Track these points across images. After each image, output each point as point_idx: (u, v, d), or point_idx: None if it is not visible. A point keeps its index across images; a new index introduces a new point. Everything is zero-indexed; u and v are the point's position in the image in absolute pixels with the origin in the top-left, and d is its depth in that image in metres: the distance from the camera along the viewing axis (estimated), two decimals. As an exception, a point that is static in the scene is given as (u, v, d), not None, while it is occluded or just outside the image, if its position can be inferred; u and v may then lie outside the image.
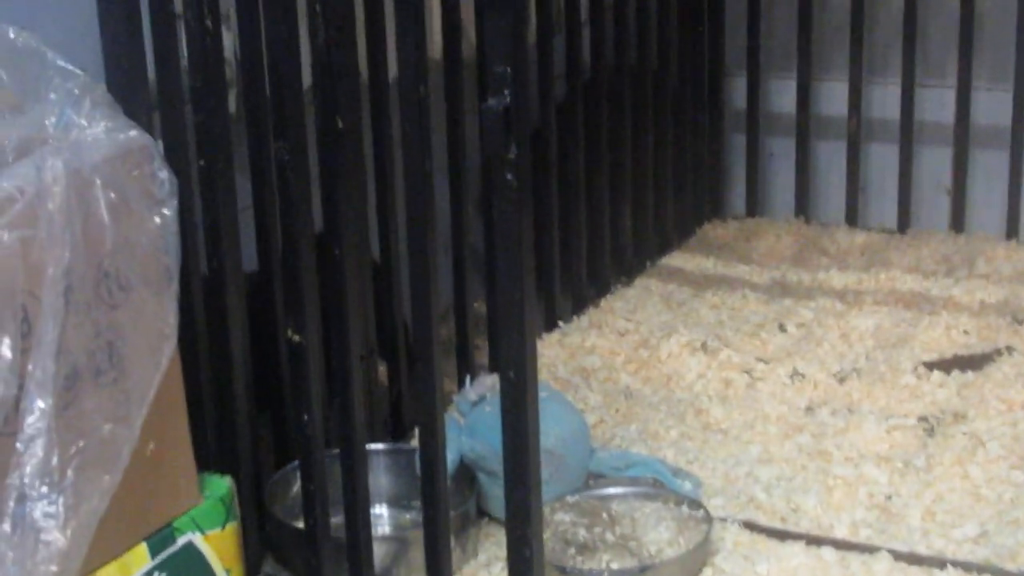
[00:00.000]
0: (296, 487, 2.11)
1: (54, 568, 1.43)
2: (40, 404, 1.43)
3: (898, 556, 2.09)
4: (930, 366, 2.65)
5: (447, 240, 2.58)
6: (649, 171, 3.21)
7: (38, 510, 1.41)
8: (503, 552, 2.11)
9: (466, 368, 2.63)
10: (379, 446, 2.28)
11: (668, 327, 2.87)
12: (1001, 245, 3.25)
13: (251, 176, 2.12)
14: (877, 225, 3.44)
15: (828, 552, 2.11)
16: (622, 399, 2.60)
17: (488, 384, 2.27)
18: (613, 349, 2.80)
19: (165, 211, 1.61)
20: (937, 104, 3.34)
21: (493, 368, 2.60)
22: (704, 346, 2.76)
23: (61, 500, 1.44)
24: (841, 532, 2.17)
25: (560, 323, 2.94)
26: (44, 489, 1.42)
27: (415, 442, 2.16)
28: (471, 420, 2.24)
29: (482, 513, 2.22)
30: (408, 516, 2.26)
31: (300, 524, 2.03)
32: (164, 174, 1.62)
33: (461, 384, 2.51)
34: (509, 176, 1.67)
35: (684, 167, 3.37)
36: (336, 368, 1.92)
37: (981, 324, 2.83)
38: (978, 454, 2.34)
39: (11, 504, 1.41)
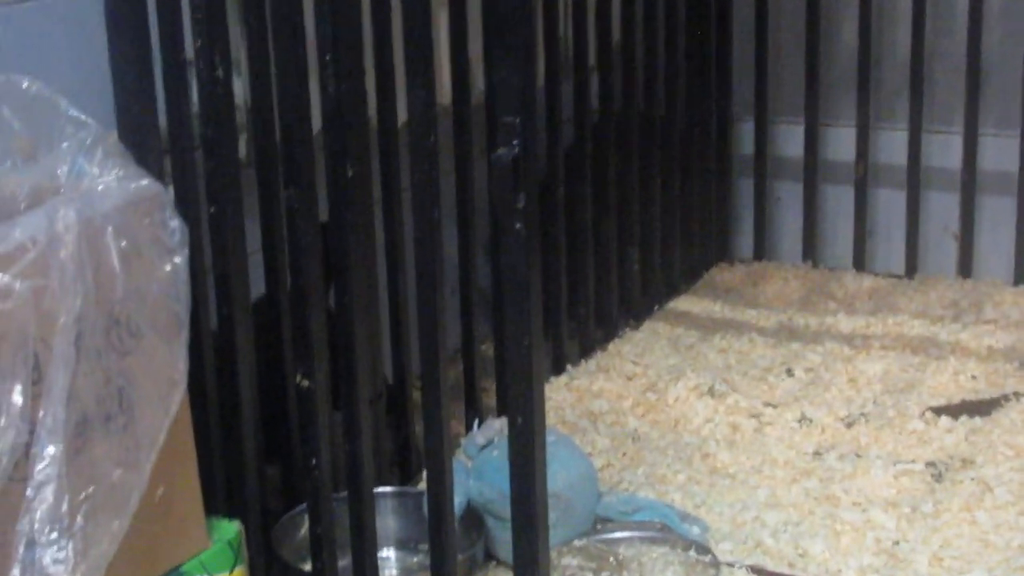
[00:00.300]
0: (303, 530, 2.12)
1: (62, 613, 1.44)
2: (51, 450, 1.44)
3: (905, 602, 2.09)
4: (938, 411, 2.66)
5: (455, 283, 2.59)
6: (657, 215, 3.23)
7: (47, 556, 1.42)
8: (510, 597, 2.11)
9: (474, 410, 2.64)
10: (387, 489, 2.29)
11: (676, 371, 2.88)
12: (1008, 291, 3.26)
13: (260, 222, 2.13)
14: (884, 270, 3.44)
15: (835, 598, 2.11)
16: (629, 443, 2.61)
17: (496, 428, 2.28)
18: (620, 393, 2.81)
19: (176, 259, 1.62)
20: (944, 150, 3.36)
21: (501, 411, 2.61)
22: (712, 390, 2.76)
23: (71, 546, 1.44)
24: (848, 578, 2.17)
25: (568, 367, 2.94)
26: (54, 535, 1.43)
27: (423, 485, 2.17)
28: (479, 464, 2.25)
29: (490, 557, 2.22)
30: (415, 559, 2.26)
31: (307, 567, 2.04)
32: (175, 222, 1.64)
33: (469, 427, 2.52)
34: (518, 225, 1.69)
35: (691, 211, 3.39)
36: (345, 412, 1.93)
37: (989, 370, 2.83)
38: (986, 500, 2.35)
39: (20, 549, 1.41)
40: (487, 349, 2.87)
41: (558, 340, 2.94)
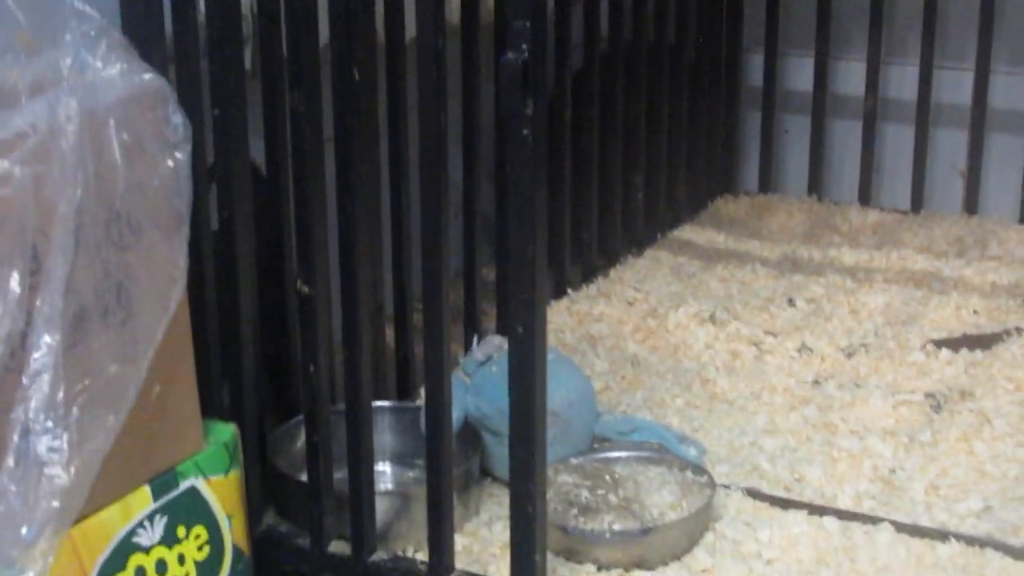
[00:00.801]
0: (299, 442, 2.12)
1: (56, 504, 1.43)
2: (47, 339, 1.43)
3: (900, 528, 2.09)
4: (939, 344, 2.65)
5: (458, 205, 2.58)
6: (663, 144, 3.21)
7: (42, 444, 1.42)
8: (505, 511, 2.10)
9: (473, 332, 2.63)
10: (384, 403, 2.28)
11: (677, 298, 2.87)
12: (1014, 228, 3.24)
13: (264, 131, 2.11)
14: (890, 205, 3.43)
15: (830, 521, 2.10)
16: (629, 367, 2.60)
17: (495, 344, 2.27)
18: (621, 318, 2.80)
19: (178, 154, 1.61)
20: (954, 86, 3.33)
21: (500, 331, 2.60)
22: (712, 317, 2.76)
23: (65, 437, 1.44)
24: (844, 503, 2.16)
25: (568, 291, 2.94)
26: (49, 424, 1.42)
27: (420, 402, 2.17)
28: (477, 380, 2.24)
29: (485, 473, 2.22)
30: (411, 474, 2.26)
31: (303, 478, 2.03)
32: (178, 118, 1.62)
33: (468, 348, 2.51)
34: (525, 132, 1.67)
35: (698, 142, 3.37)
36: (345, 321, 1.92)
37: (991, 305, 2.83)
38: (984, 431, 2.34)
39: (15, 438, 1.41)
40: (488, 273, 2.86)
41: (560, 264, 2.92)
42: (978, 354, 2.61)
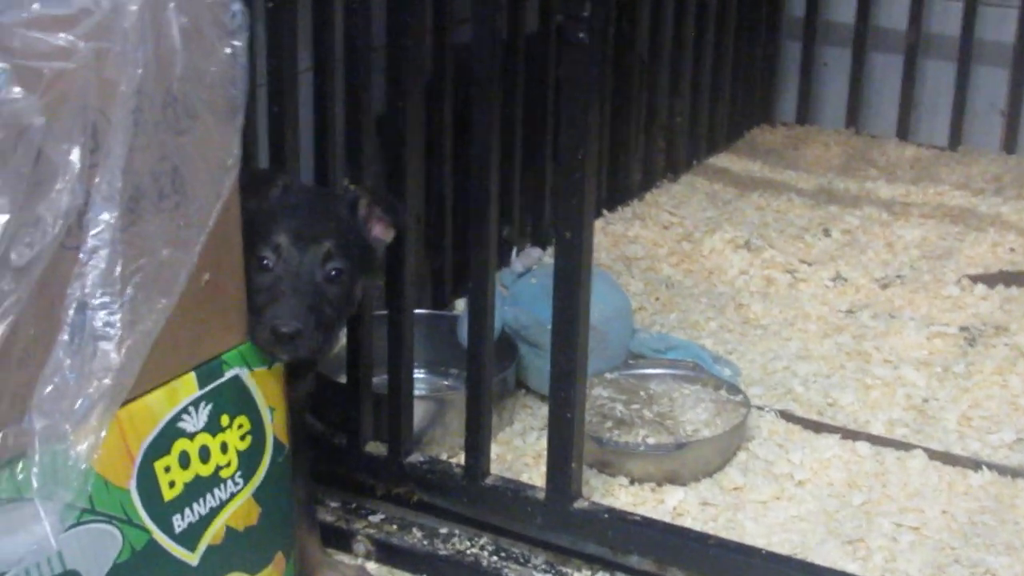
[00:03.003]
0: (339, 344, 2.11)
1: (108, 381, 1.43)
2: (106, 216, 1.42)
3: (933, 455, 2.09)
4: (974, 279, 2.64)
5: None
6: (707, 70, 3.19)
7: (98, 319, 1.41)
8: (539, 423, 2.12)
9: (509, 247, 2.62)
10: (420, 311, 2.27)
11: (712, 223, 2.87)
12: (1053, 168, 3.24)
13: (312, 31, 2.09)
14: (928, 141, 3.41)
15: (863, 446, 2.11)
16: (663, 288, 2.60)
17: (535, 257, 2.28)
18: (656, 240, 2.80)
19: (235, 42, 1.59)
20: (998, 23, 3.30)
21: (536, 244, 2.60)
22: (747, 244, 2.75)
23: (119, 315, 1.43)
24: (877, 429, 2.17)
25: (604, 212, 2.93)
26: (105, 299, 1.41)
27: (456, 312, 2.16)
28: (515, 291, 2.24)
29: (520, 385, 2.22)
30: (445, 382, 2.26)
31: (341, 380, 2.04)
32: (236, 5, 1.60)
33: (503, 263, 2.51)
34: (581, 34, 1.66)
35: (738, 70, 3.35)
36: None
37: (1028, 243, 2.82)
38: (1018, 365, 2.34)
39: (71, 313, 1.40)
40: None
41: (596, 184, 2.90)
42: (1013, 290, 2.61)
